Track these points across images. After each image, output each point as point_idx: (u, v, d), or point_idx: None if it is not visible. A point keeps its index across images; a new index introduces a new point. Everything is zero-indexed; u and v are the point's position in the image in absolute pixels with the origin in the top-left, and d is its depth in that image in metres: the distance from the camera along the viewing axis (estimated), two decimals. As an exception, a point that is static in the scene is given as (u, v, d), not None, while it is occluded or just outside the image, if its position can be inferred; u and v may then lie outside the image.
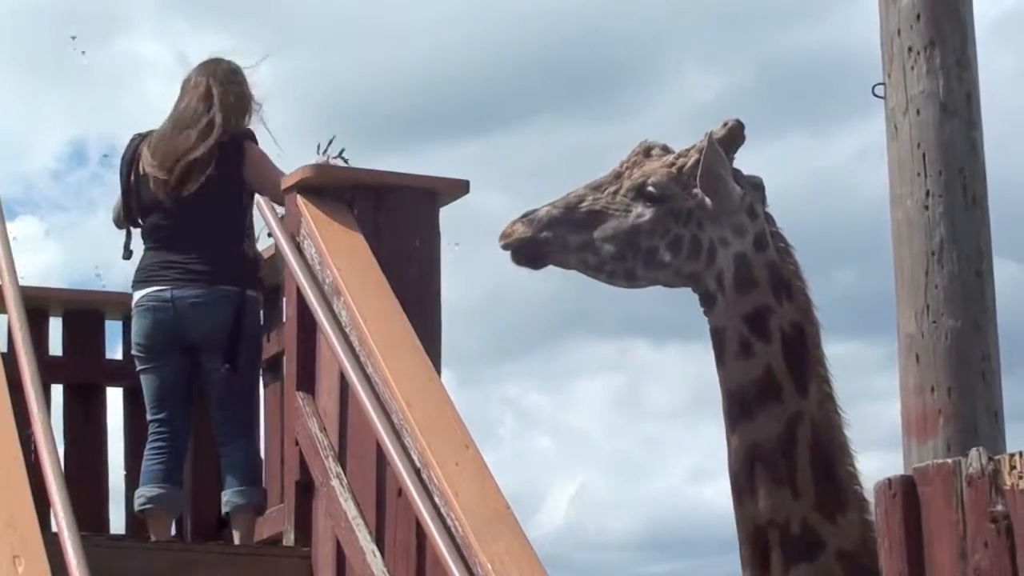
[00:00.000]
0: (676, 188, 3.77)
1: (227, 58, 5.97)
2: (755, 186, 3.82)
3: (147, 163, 5.80)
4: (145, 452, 5.78)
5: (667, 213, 3.75)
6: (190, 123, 5.76)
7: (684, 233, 3.73)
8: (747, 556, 3.66)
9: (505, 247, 3.85)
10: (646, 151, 3.89)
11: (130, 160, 5.88)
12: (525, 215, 3.85)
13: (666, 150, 3.87)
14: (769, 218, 3.82)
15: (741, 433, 3.65)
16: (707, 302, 3.74)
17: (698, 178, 3.73)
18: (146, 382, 5.80)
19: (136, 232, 5.95)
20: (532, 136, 20.72)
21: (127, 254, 5.97)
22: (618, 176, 3.86)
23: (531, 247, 3.81)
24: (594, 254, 3.79)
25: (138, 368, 5.84)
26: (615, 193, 3.81)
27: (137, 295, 5.80)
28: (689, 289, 3.82)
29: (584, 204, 3.83)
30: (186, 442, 5.83)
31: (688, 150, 3.82)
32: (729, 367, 3.67)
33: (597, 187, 3.86)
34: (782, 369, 3.65)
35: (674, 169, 3.80)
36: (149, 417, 5.79)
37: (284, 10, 19.57)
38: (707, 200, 3.73)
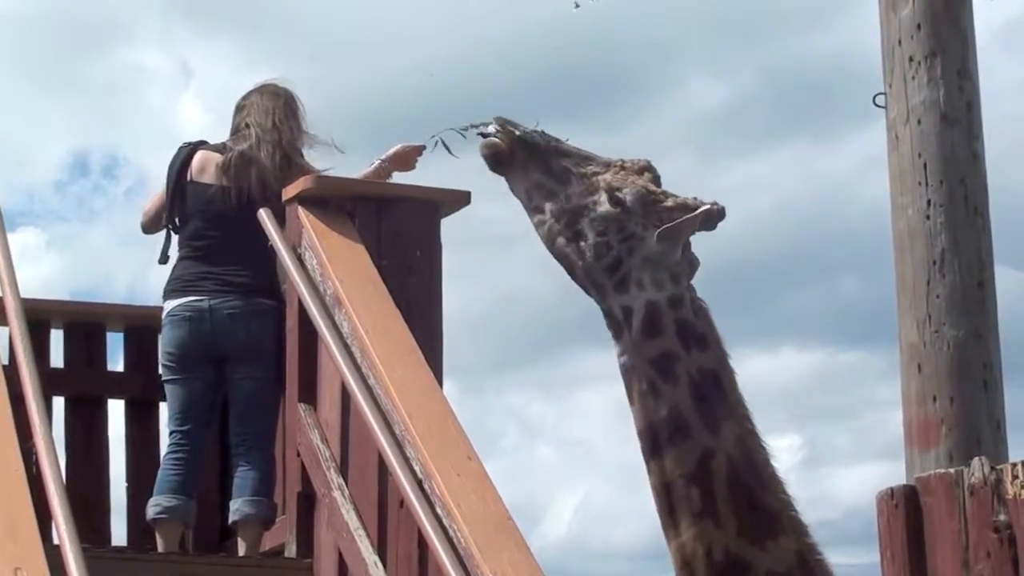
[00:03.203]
0: (638, 209, 3.88)
1: (284, 84, 6.06)
2: (691, 263, 3.96)
3: (209, 174, 5.86)
4: (163, 461, 5.79)
5: (615, 220, 3.86)
6: (263, 141, 5.82)
7: (614, 247, 3.86)
8: None
9: (486, 135, 3.95)
10: (641, 170, 3.99)
11: (179, 167, 5.93)
12: (526, 131, 3.98)
13: (656, 181, 4.00)
14: (691, 288, 3.94)
15: (656, 471, 3.74)
16: (613, 327, 3.85)
17: (666, 227, 3.84)
18: (173, 393, 5.80)
19: (174, 239, 5.99)
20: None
21: (164, 258, 5.99)
22: (607, 166, 3.97)
23: (503, 153, 3.95)
24: (541, 198, 3.91)
25: (165, 378, 5.84)
26: (595, 174, 3.94)
27: (171, 305, 5.82)
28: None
29: (567, 161, 3.96)
30: (203, 456, 5.84)
31: (669, 194, 3.94)
32: (638, 406, 3.77)
33: (586, 158, 3.98)
34: (689, 409, 3.75)
35: (651, 196, 3.90)
36: (171, 428, 5.79)
37: (285, 19, 19.60)
38: (651, 241, 3.84)
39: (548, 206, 3.87)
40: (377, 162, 5.91)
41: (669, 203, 3.90)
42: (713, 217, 3.93)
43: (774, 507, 3.74)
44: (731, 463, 3.72)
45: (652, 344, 3.78)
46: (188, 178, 5.91)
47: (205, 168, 5.89)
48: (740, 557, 3.68)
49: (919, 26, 6.33)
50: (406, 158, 5.93)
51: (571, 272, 3.92)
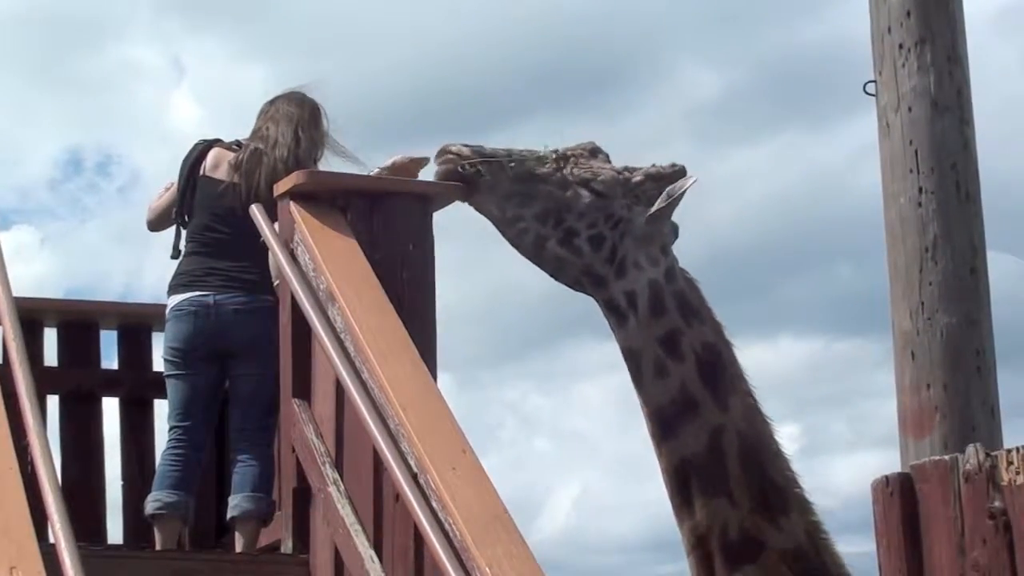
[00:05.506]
0: (618, 192, 3.87)
1: (312, 94, 6.06)
2: (674, 230, 3.97)
3: (222, 170, 5.88)
4: (162, 457, 5.79)
5: (601, 209, 3.86)
6: (278, 148, 5.83)
7: (608, 236, 3.85)
8: (693, 566, 3.73)
9: (443, 162, 3.93)
10: (593, 151, 3.99)
11: (193, 162, 5.96)
12: (473, 146, 3.94)
13: (607, 159, 4.00)
14: (675, 257, 3.95)
15: (668, 452, 3.74)
16: (616, 317, 3.83)
17: (657, 209, 3.85)
18: (175, 388, 5.80)
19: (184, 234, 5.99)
20: (525, 137, 20.68)
21: (175, 253, 6.00)
22: (563, 159, 3.94)
23: (465, 175, 3.90)
24: (518, 206, 3.87)
25: (168, 373, 5.84)
26: (556, 171, 3.91)
27: (176, 299, 5.83)
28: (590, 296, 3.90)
29: (528, 164, 3.92)
30: (204, 454, 5.83)
31: (636, 169, 3.93)
32: (647, 388, 3.78)
33: (540, 158, 3.95)
34: (697, 385, 3.76)
35: (621, 176, 3.89)
36: (172, 423, 5.79)
37: (278, 15, 19.60)
38: (638, 220, 3.84)
39: (526, 212, 3.84)
40: (376, 170, 5.91)
41: (637, 178, 3.91)
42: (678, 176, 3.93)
43: (780, 483, 3.75)
44: (741, 438, 3.73)
45: (659, 324, 3.78)
46: (201, 173, 5.94)
47: (219, 164, 5.93)
48: (754, 535, 3.70)
49: (908, 13, 6.33)
50: (408, 170, 5.90)
51: (559, 273, 3.89)
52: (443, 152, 3.93)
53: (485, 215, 3.93)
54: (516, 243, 3.91)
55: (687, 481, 3.75)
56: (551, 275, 3.93)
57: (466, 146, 3.93)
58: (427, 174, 4.18)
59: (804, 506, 3.80)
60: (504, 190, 3.88)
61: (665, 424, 3.76)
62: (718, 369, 3.80)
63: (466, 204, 3.97)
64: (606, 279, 3.85)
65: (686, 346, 3.79)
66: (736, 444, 3.75)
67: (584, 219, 3.87)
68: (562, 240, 3.87)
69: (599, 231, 3.86)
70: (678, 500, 3.76)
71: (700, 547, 3.75)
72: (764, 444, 3.80)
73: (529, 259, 3.93)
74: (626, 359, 3.84)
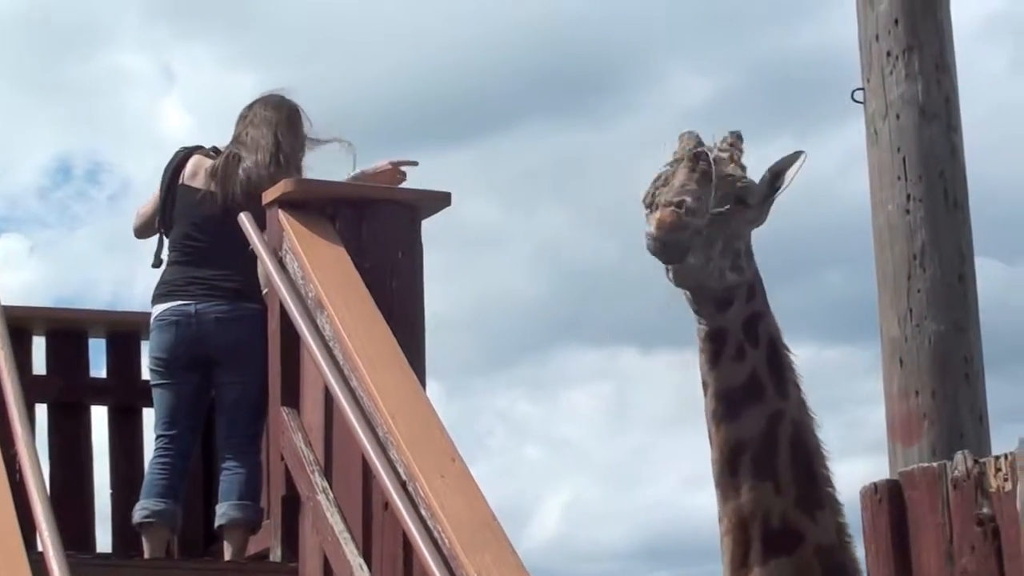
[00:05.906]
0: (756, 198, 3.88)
1: (289, 97, 6.03)
2: None
3: (200, 178, 5.86)
4: (149, 466, 5.78)
5: (740, 221, 3.84)
6: (258, 151, 5.81)
7: (741, 251, 3.83)
8: (728, 547, 3.74)
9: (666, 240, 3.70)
10: (738, 136, 3.95)
11: (174, 170, 5.94)
12: (680, 205, 3.70)
13: (698, 140, 3.94)
14: None
15: (726, 432, 3.75)
16: (720, 306, 3.80)
17: (781, 191, 3.84)
18: (161, 398, 5.79)
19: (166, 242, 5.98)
20: (519, 142, 20.74)
21: (157, 262, 5.99)
22: (707, 164, 3.81)
23: (677, 245, 3.70)
24: (722, 255, 3.79)
25: (153, 383, 5.83)
26: (718, 189, 3.78)
27: (158, 309, 5.81)
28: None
29: (705, 199, 3.77)
30: (190, 461, 5.83)
31: (718, 174, 3.83)
32: (723, 369, 3.77)
33: (701, 179, 3.80)
34: (765, 371, 3.77)
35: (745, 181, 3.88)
36: (158, 432, 5.78)
37: (268, 21, 19.59)
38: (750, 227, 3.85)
39: (713, 252, 3.75)
40: (357, 171, 5.88)
41: (748, 180, 3.89)
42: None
43: (818, 478, 3.78)
44: (795, 427, 3.76)
45: (749, 306, 3.80)
46: (180, 181, 5.92)
47: (197, 173, 5.90)
48: (794, 526, 3.72)
49: (896, 21, 6.33)
50: (388, 177, 5.86)
51: (702, 291, 3.77)
52: (673, 226, 3.68)
53: (692, 273, 3.75)
54: (699, 284, 3.79)
55: (738, 463, 3.76)
56: (693, 292, 3.81)
57: (677, 207, 3.72)
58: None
59: (835, 506, 3.83)
60: (719, 248, 3.79)
61: (731, 405, 3.77)
62: (780, 356, 3.82)
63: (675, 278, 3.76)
64: (740, 283, 3.83)
65: (762, 331, 3.80)
66: (790, 432, 3.78)
67: (743, 238, 3.85)
68: (734, 266, 3.83)
69: (744, 242, 3.84)
70: (726, 480, 3.77)
71: (740, 530, 3.77)
72: (811, 437, 3.83)
73: (695, 290, 3.79)
74: (710, 340, 3.80)
